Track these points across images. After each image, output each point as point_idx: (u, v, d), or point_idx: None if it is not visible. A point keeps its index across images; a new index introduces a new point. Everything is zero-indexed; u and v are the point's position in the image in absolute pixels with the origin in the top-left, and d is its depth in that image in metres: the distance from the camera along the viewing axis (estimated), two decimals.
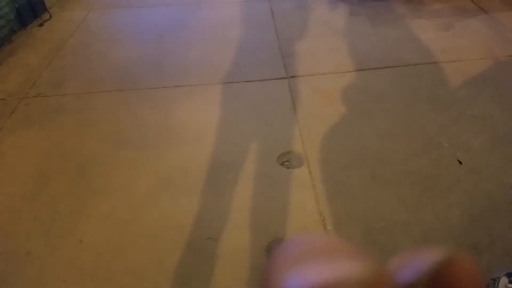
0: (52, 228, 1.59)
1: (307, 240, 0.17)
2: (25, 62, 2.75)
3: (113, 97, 2.37)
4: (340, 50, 2.70)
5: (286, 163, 1.82)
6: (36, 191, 1.75)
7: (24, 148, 2.01)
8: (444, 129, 1.97)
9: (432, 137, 1.92)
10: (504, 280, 1.26)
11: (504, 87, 2.25)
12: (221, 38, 2.94)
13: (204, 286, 1.37)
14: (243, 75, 2.49)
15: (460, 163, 1.77)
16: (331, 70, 2.49)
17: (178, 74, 2.54)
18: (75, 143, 2.03)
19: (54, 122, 2.18)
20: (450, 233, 1.49)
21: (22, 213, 1.66)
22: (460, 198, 1.62)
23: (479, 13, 3.07)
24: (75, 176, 1.82)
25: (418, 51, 2.63)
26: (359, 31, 2.93)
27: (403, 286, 0.16)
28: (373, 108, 2.14)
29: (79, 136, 2.07)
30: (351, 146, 1.90)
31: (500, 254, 1.41)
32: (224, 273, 1.40)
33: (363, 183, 1.71)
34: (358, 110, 2.13)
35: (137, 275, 1.41)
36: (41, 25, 3.25)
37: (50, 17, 3.34)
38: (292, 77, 2.44)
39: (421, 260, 0.16)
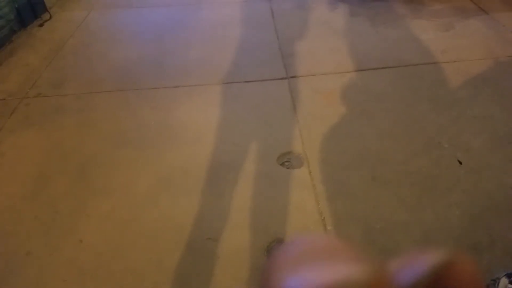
0: (52, 228, 1.59)
1: (307, 241, 0.17)
2: (25, 62, 2.75)
3: (113, 97, 2.37)
4: (340, 50, 2.70)
5: (286, 163, 1.82)
6: (36, 191, 1.76)
7: (24, 148, 2.01)
8: (444, 129, 1.97)
9: (432, 137, 1.92)
10: (504, 280, 1.26)
11: (504, 87, 2.25)
12: (221, 38, 2.94)
13: (204, 286, 1.37)
14: (243, 75, 2.49)
15: (460, 163, 1.77)
16: (331, 70, 2.49)
17: (178, 74, 2.54)
18: (75, 143, 2.03)
19: (54, 122, 2.18)
20: (450, 233, 1.49)
21: (22, 213, 1.66)
22: (460, 198, 1.62)
23: (479, 13, 3.07)
24: (75, 176, 1.82)
25: (418, 51, 2.63)
26: (359, 31, 2.93)
27: None
28: (373, 108, 2.14)
29: (79, 136, 2.07)
30: (351, 146, 1.90)
31: (500, 254, 1.41)
32: (224, 273, 1.40)
33: (363, 183, 1.71)
34: (358, 110, 2.13)
35: (137, 275, 1.41)
36: (41, 25, 3.25)
37: (50, 17, 3.34)
38: (292, 77, 2.44)
39: (421, 262, 0.16)
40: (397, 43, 2.75)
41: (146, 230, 1.57)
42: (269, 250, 1.46)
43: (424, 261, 0.16)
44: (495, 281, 1.27)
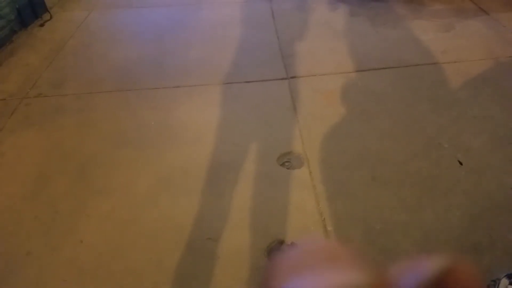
0: (52, 228, 1.59)
1: (308, 246, 0.17)
2: (25, 62, 2.76)
3: (113, 97, 2.37)
4: (340, 51, 2.70)
5: (286, 163, 1.82)
6: (36, 191, 1.76)
7: (24, 148, 2.01)
8: (444, 129, 1.97)
9: (432, 137, 1.92)
10: (504, 281, 1.26)
11: (504, 88, 2.25)
12: (221, 38, 2.94)
13: (204, 286, 1.37)
14: (243, 75, 2.49)
15: (461, 163, 1.77)
16: (331, 71, 2.49)
17: (178, 74, 2.54)
18: (75, 143, 2.03)
19: (54, 122, 2.18)
20: (450, 233, 1.49)
21: (22, 213, 1.66)
22: (460, 198, 1.62)
23: (480, 13, 3.07)
24: (75, 176, 1.82)
25: (418, 52, 2.63)
26: (359, 32, 2.93)
27: None
28: (373, 108, 2.14)
29: (79, 136, 2.07)
30: (351, 147, 1.89)
31: (501, 254, 1.41)
32: (224, 273, 1.40)
33: (363, 183, 1.70)
34: (358, 110, 2.13)
35: (137, 275, 1.41)
36: (41, 25, 3.25)
37: (51, 17, 3.34)
38: (292, 77, 2.45)
39: (421, 268, 0.16)
40: (397, 44, 2.75)
41: (146, 230, 1.57)
42: (269, 250, 1.46)
43: (425, 266, 0.16)
44: (495, 282, 1.27)
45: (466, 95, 2.21)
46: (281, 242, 1.48)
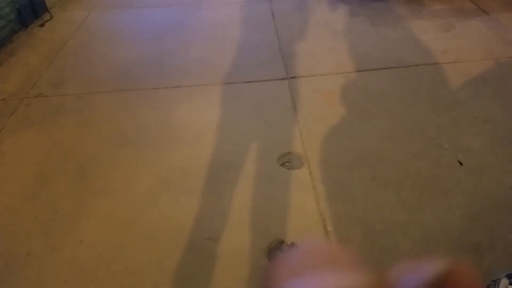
0: (52, 228, 1.59)
1: (308, 248, 0.17)
2: (25, 62, 2.76)
3: (113, 97, 2.37)
4: (340, 51, 2.70)
5: (286, 163, 1.82)
6: (36, 191, 1.76)
7: (24, 148, 2.01)
8: (444, 129, 1.97)
9: (432, 137, 1.92)
10: (504, 281, 1.26)
11: (504, 88, 2.25)
12: (221, 38, 2.94)
13: (204, 286, 1.37)
14: (243, 76, 2.49)
15: (461, 164, 1.77)
16: (331, 71, 2.49)
17: (178, 74, 2.54)
18: (75, 143, 2.03)
19: (54, 122, 2.18)
20: (450, 233, 1.49)
21: (22, 213, 1.66)
22: (460, 199, 1.62)
23: (480, 13, 3.07)
24: (75, 176, 1.82)
25: (418, 52, 2.63)
26: (359, 32, 2.93)
27: None
28: (373, 108, 2.14)
29: (79, 136, 2.07)
30: (351, 147, 1.89)
31: (501, 254, 1.41)
32: (224, 274, 1.40)
33: (363, 183, 1.70)
34: (358, 110, 2.13)
35: (137, 275, 1.41)
36: (42, 25, 3.25)
37: (51, 17, 3.34)
38: (292, 77, 2.45)
39: (422, 270, 0.16)
40: (397, 44, 2.75)
41: (146, 230, 1.57)
42: (269, 250, 1.46)
43: (424, 270, 0.16)
44: (496, 282, 1.27)
45: (466, 95, 2.20)
46: (281, 242, 1.48)
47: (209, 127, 2.06)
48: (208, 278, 1.39)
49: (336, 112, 2.12)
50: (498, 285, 1.26)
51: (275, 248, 1.46)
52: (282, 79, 2.44)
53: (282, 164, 1.82)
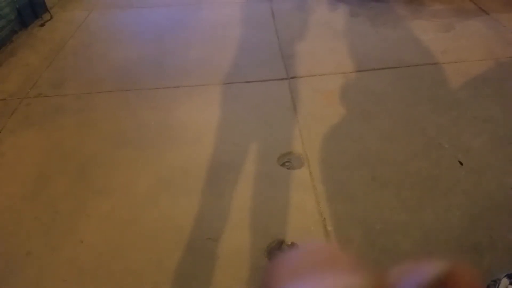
0: (52, 228, 1.59)
1: (308, 250, 0.17)
2: (25, 62, 2.76)
3: (113, 97, 2.37)
4: (340, 51, 2.70)
5: (286, 163, 1.82)
6: (36, 191, 1.75)
7: (24, 148, 2.01)
8: (444, 129, 1.97)
9: (433, 137, 1.92)
10: (505, 281, 1.26)
11: (504, 88, 2.25)
12: (221, 38, 2.94)
13: (204, 286, 1.37)
14: (243, 76, 2.49)
15: (461, 164, 1.77)
16: (331, 71, 2.49)
17: (178, 74, 2.54)
18: (75, 143, 2.03)
19: (54, 122, 2.18)
20: (451, 233, 1.49)
21: (22, 213, 1.66)
22: (460, 198, 1.62)
23: (480, 14, 3.07)
24: (75, 176, 1.82)
25: (418, 52, 2.63)
26: (359, 32, 2.93)
27: None
28: (373, 108, 2.14)
29: (79, 136, 2.07)
30: (351, 147, 1.89)
31: (501, 254, 1.41)
32: (224, 274, 1.40)
33: (363, 183, 1.70)
34: (358, 110, 2.13)
35: (137, 275, 1.41)
36: (42, 25, 3.25)
37: (51, 17, 3.34)
38: (292, 77, 2.44)
39: (421, 272, 0.16)
40: (397, 44, 2.75)
41: (146, 230, 1.57)
42: (269, 250, 1.46)
43: (424, 271, 0.16)
44: (496, 281, 1.27)
45: (466, 95, 2.20)
46: (281, 242, 1.48)
47: (209, 127, 2.06)
48: (208, 278, 1.39)
49: (336, 112, 2.12)
50: (498, 285, 1.26)
51: (275, 248, 1.46)
52: (282, 79, 2.44)
53: (282, 164, 1.82)
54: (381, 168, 1.77)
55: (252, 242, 1.49)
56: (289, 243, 1.48)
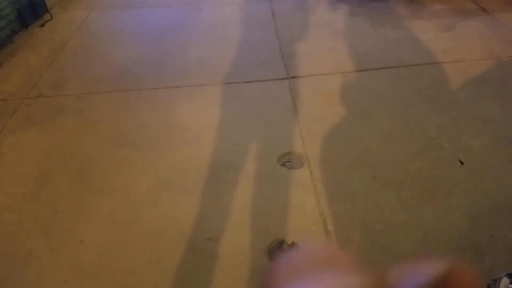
0: (52, 228, 1.59)
1: (308, 251, 0.18)
2: (26, 62, 2.76)
3: (114, 98, 2.37)
4: (341, 51, 2.70)
5: (287, 163, 1.82)
6: (36, 191, 1.76)
7: (25, 148, 2.01)
8: (445, 129, 1.97)
9: (433, 137, 1.92)
10: (505, 280, 1.26)
11: (504, 88, 2.25)
12: (221, 38, 2.95)
13: (204, 286, 1.37)
14: (244, 76, 2.49)
15: (462, 163, 1.76)
16: (332, 71, 2.49)
17: (178, 74, 2.54)
18: (75, 143, 2.03)
19: (54, 122, 2.18)
20: (451, 233, 1.49)
21: (22, 213, 1.67)
22: (461, 198, 1.61)
23: (480, 13, 3.07)
24: (75, 176, 1.82)
25: (419, 52, 2.63)
26: (360, 32, 2.93)
27: None
28: (373, 108, 2.13)
29: (80, 136, 2.07)
30: (351, 147, 1.89)
31: (501, 254, 1.41)
32: (224, 274, 1.40)
33: (364, 183, 1.70)
34: (358, 110, 2.13)
35: (137, 275, 1.41)
36: (42, 25, 3.25)
37: (51, 17, 3.35)
38: (292, 77, 2.44)
39: (421, 273, 0.16)
40: (398, 44, 2.75)
41: (146, 230, 1.57)
42: (270, 250, 1.46)
43: (424, 272, 0.15)
44: (496, 281, 1.27)
45: (467, 95, 2.20)
46: (282, 242, 1.48)
47: (209, 127, 2.06)
48: (208, 278, 1.39)
49: (336, 112, 2.12)
50: (499, 284, 1.25)
51: (276, 248, 1.46)
52: (282, 79, 2.44)
53: (283, 164, 1.82)
54: (381, 168, 1.77)
55: (252, 242, 1.49)
56: (290, 243, 1.47)
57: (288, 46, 2.78)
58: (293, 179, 1.74)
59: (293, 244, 1.47)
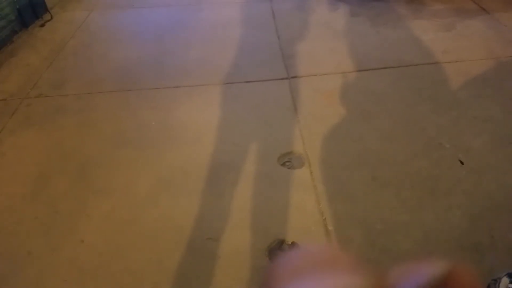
0: (52, 228, 1.59)
1: (308, 252, 0.18)
2: (26, 62, 2.76)
3: (114, 98, 2.37)
4: (341, 51, 2.70)
5: (287, 163, 1.82)
6: (36, 191, 1.76)
7: (25, 148, 2.01)
8: (445, 129, 1.97)
9: (433, 137, 1.92)
10: (505, 280, 1.26)
11: (505, 88, 2.25)
12: (221, 38, 2.95)
13: (204, 286, 1.37)
14: (244, 76, 2.49)
15: (462, 163, 1.76)
16: (332, 71, 2.49)
17: (178, 74, 2.54)
18: (75, 143, 2.03)
19: (54, 122, 2.18)
20: (451, 233, 1.49)
21: (22, 213, 1.67)
22: (461, 198, 1.61)
23: (481, 13, 3.07)
24: (75, 176, 1.82)
25: (419, 52, 2.63)
26: (360, 32, 2.93)
27: None
28: (373, 108, 2.13)
29: (80, 136, 2.07)
30: (351, 147, 1.89)
31: (501, 254, 1.41)
32: (224, 274, 1.40)
33: (364, 183, 1.70)
34: (358, 110, 2.13)
35: (137, 275, 1.41)
36: (42, 25, 3.25)
37: (51, 17, 3.35)
38: (292, 77, 2.44)
39: (421, 273, 0.16)
40: (398, 44, 2.75)
41: (146, 230, 1.57)
42: (270, 250, 1.46)
43: (424, 272, 0.15)
44: (496, 280, 1.27)
45: (467, 95, 2.20)
46: (282, 242, 1.48)
47: (209, 127, 2.06)
48: (208, 278, 1.39)
49: (336, 112, 2.12)
50: (499, 284, 1.25)
51: (276, 248, 1.46)
52: (282, 79, 2.44)
53: (283, 164, 1.81)
54: (381, 168, 1.77)
55: (252, 242, 1.49)
56: (290, 243, 1.47)
57: (288, 46, 2.78)
58: (293, 179, 1.74)
59: (293, 244, 1.47)
